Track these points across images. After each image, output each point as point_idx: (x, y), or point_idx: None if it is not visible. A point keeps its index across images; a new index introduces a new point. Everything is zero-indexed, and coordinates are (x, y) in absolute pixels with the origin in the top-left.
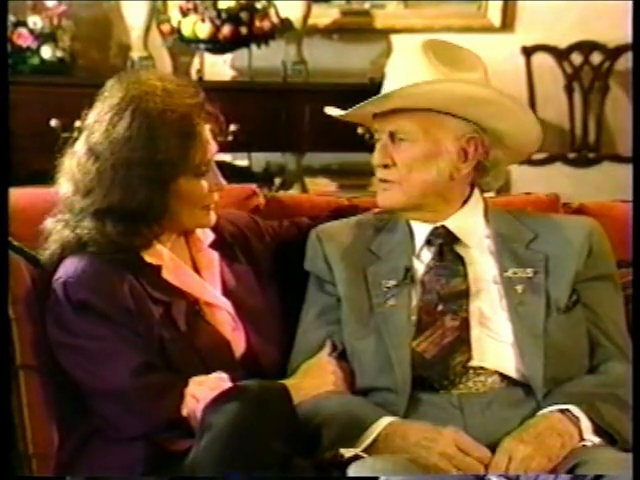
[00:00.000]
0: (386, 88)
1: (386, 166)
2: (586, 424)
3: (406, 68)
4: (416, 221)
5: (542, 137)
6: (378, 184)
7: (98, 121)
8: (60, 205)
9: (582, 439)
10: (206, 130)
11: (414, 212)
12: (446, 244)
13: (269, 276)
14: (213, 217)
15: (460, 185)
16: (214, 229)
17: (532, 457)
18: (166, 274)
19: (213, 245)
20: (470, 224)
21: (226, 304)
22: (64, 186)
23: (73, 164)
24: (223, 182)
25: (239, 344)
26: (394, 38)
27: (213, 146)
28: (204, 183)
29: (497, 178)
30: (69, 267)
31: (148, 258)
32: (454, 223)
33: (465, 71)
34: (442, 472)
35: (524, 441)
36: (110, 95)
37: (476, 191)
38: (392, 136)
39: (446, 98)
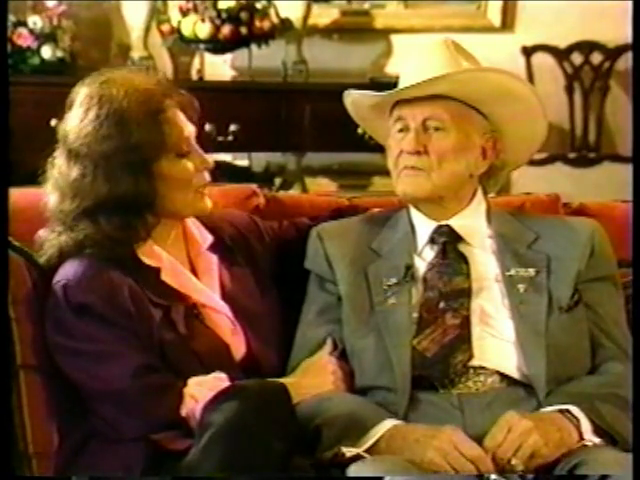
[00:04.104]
0: (407, 80)
1: (418, 153)
2: (586, 425)
3: (431, 60)
4: (421, 216)
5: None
6: (402, 171)
7: (69, 123)
8: (52, 217)
9: (582, 439)
10: (175, 107)
11: (429, 204)
12: (450, 243)
13: (269, 278)
14: (209, 203)
15: (472, 184)
16: (213, 231)
17: (531, 432)
18: (165, 276)
19: (212, 248)
20: (473, 224)
21: (225, 308)
22: (51, 197)
23: (55, 173)
24: (209, 159)
25: (239, 348)
26: (394, 38)
27: (189, 125)
28: (188, 163)
29: (499, 181)
30: (69, 270)
31: (147, 260)
32: (458, 222)
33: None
34: (437, 467)
35: (526, 417)
36: (76, 97)
37: (479, 191)
38: (424, 125)
39: (491, 89)
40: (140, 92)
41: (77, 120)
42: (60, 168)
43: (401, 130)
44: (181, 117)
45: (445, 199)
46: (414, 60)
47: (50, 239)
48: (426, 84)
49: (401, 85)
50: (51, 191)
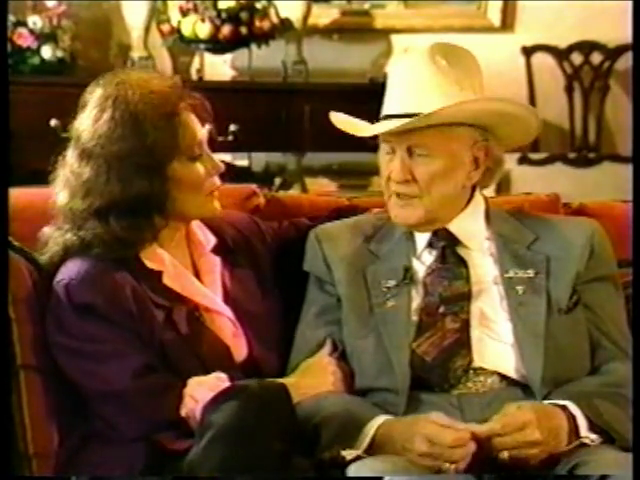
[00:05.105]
0: (394, 96)
1: (406, 182)
2: (582, 421)
3: (416, 75)
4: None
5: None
6: (393, 199)
7: (83, 123)
8: (59, 215)
9: (579, 437)
10: (189, 111)
11: (426, 225)
12: (448, 246)
13: (270, 279)
14: (218, 205)
15: (467, 191)
16: (216, 233)
17: (536, 445)
18: (167, 280)
19: (215, 250)
20: (472, 226)
21: (226, 310)
22: (61, 195)
23: (66, 171)
24: (220, 164)
25: (240, 350)
26: (394, 38)
27: (202, 129)
28: (200, 167)
29: (495, 176)
30: (71, 269)
31: (149, 264)
32: (456, 225)
33: (469, 77)
34: (428, 468)
35: (541, 428)
36: (90, 98)
37: (477, 192)
38: (409, 150)
39: (482, 115)
40: (155, 95)
41: (92, 120)
42: (72, 167)
43: (388, 153)
44: (194, 120)
45: (439, 217)
46: (400, 81)
47: (55, 237)
48: (411, 122)
49: (386, 107)
50: (60, 189)
